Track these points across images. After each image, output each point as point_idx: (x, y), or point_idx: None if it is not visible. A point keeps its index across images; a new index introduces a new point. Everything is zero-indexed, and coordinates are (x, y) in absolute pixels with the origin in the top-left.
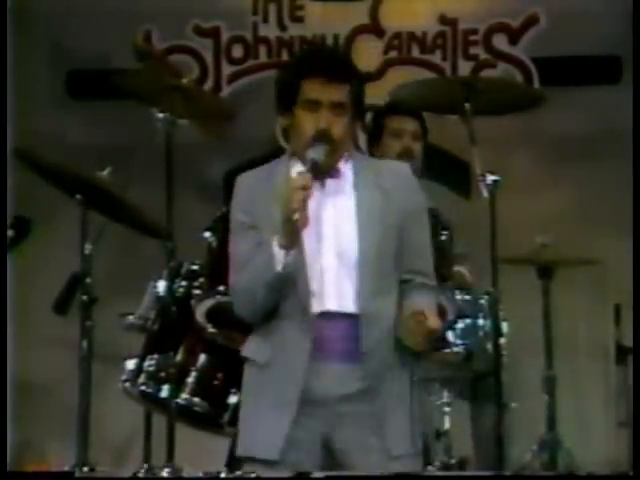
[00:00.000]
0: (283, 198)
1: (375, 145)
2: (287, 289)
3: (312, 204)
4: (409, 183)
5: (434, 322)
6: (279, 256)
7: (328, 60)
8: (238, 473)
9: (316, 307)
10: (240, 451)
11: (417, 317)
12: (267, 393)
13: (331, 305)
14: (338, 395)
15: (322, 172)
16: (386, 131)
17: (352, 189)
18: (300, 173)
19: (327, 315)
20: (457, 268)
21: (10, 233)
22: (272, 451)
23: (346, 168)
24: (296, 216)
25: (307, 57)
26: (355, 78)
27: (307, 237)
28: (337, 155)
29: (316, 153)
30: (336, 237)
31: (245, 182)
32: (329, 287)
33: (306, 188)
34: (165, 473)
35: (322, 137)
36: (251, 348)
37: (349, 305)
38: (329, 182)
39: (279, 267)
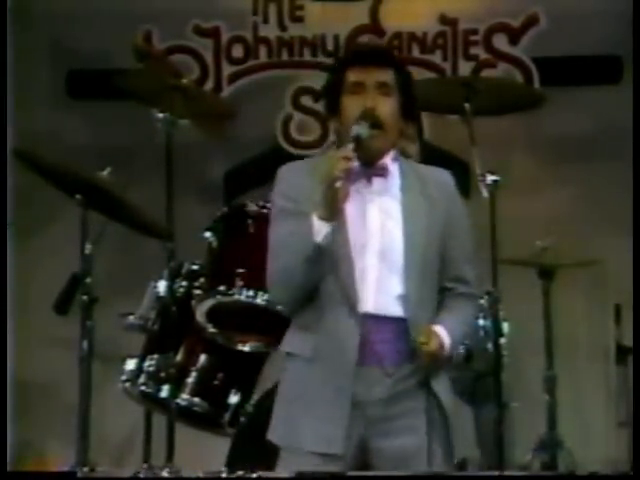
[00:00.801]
0: (325, 169)
1: None
2: (328, 272)
3: (358, 200)
4: (452, 192)
5: (432, 346)
6: (319, 227)
7: (368, 48)
8: (248, 473)
9: (360, 306)
10: (291, 443)
11: (420, 339)
12: (316, 388)
13: (373, 307)
14: (376, 398)
15: (369, 156)
16: None
17: (398, 191)
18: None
19: (369, 316)
20: None
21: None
22: (335, 445)
23: (394, 168)
24: (338, 184)
25: (348, 52)
26: (398, 65)
27: (352, 232)
28: (385, 141)
29: (360, 128)
30: (381, 237)
31: (288, 171)
32: (369, 287)
33: (348, 158)
34: (165, 473)
35: (368, 115)
36: (294, 343)
37: (391, 308)
38: (376, 180)
39: (319, 238)
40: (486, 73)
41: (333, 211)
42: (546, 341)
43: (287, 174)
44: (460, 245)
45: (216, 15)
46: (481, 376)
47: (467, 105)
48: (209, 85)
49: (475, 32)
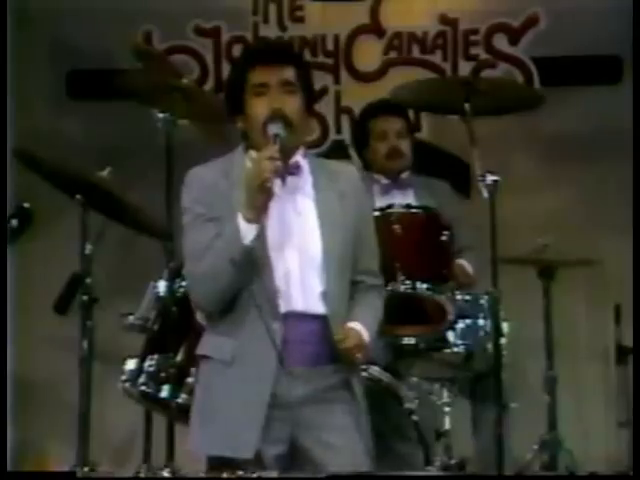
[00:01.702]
0: (250, 171)
1: (364, 150)
2: (251, 279)
3: (274, 200)
4: (360, 186)
5: (349, 342)
6: (246, 229)
7: (267, 47)
8: (241, 473)
9: (282, 306)
10: (206, 449)
11: (337, 337)
12: (233, 392)
13: (298, 305)
14: (301, 398)
15: (282, 155)
16: (372, 134)
17: (311, 189)
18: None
19: (293, 315)
20: (459, 261)
21: (14, 223)
22: (245, 450)
23: (304, 164)
24: (269, 184)
25: (247, 51)
26: (298, 61)
27: (271, 232)
28: (297, 138)
29: (276, 127)
30: (299, 235)
31: (199, 176)
32: (295, 286)
33: (274, 158)
34: (165, 473)
35: (276, 116)
36: (210, 346)
37: (315, 305)
38: (290, 180)
39: (246, 240)
40: (486, 73)
41: (260, 213)
42: (546, 341)
43: (197, 178)
44: (369, 237)
45: (216, 15)
46: (481, 376)
47: (467, 105)
48: (209, 85)
49: (475, 32)
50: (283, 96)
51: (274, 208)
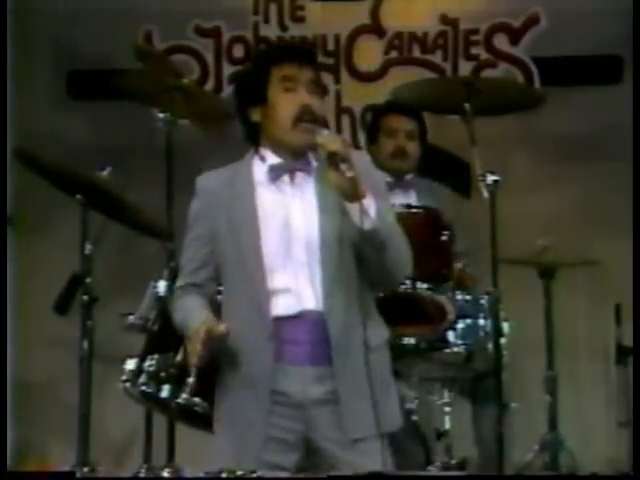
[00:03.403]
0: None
1: (372, 144)
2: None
3: (280, 197)
4: (371, 168)
5: (334, 144)
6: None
7: (295, 45)
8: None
9: (295, 306)
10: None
11: (321, 139)
12: (238, 394)
13: (309, 304)
14: (311, 397)
15: (297, 153)
16: (382, 130)
17: (316, 183)
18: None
19: (305, 314)
20: (459, 265)
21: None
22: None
23: (313, 160)
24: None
25: (274, 46)
26: (317, 64)
27: (277, 230)
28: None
29: (333, 144)
30: (305, 232)
31: (205, 185)
32: (301, 285)
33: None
34: (165, 473)
35: (307, 113)
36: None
37: (317, 304)
38: (298, 174)
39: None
40: (486, 73)
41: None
42: (546, 341)
43: (203, 188)
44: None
45: (217, 15)
46: (481, 376)
47: (467, 105)
48: (210, 85)
49: (476, 32)
50: (310, 94)
51: (281, 204)
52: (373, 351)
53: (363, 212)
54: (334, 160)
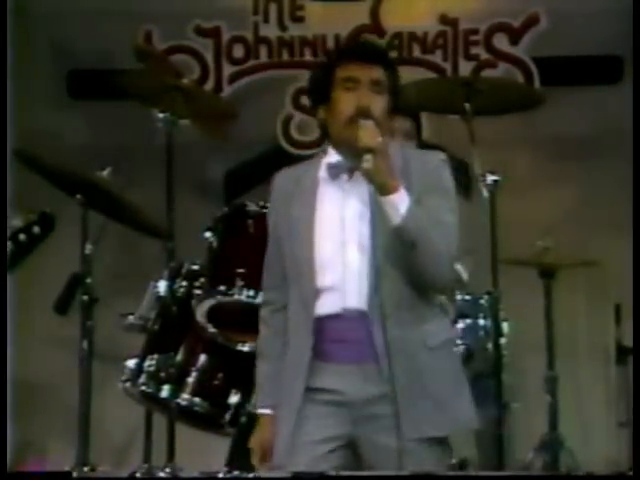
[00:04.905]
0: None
1: None
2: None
3: (339, 195)
4: (433, 167)
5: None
6: None
7: (360, 45)
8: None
9: (339, 304)
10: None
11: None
12: (283, 390)
13: (352, 303)
14: (362, 397)
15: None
16: None
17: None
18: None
19: (349, 313)
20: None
21: (36, 230)
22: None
23: None
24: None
25: (341, 47)
26: (387, 62)
27: (330, 230)
28: None
29: (362, 132)
30: (360, 230)
31: (277, 182)
32: (351, 282)
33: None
34: (165, 473)
35: (362, 112)
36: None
37: (370, 302)
38: (356, 173)
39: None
40: (486, 73)
41: None
42: (547, 341)
43: (276, 186)
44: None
45: (217, 15)
46: (481, 376)
47: (467, 105)
48: (209, 85)
49: (476, 32)
50: (371, 94)
51: (338, 201)
52: (433, 350)
53: (392, 206)
54: (364, 152)
